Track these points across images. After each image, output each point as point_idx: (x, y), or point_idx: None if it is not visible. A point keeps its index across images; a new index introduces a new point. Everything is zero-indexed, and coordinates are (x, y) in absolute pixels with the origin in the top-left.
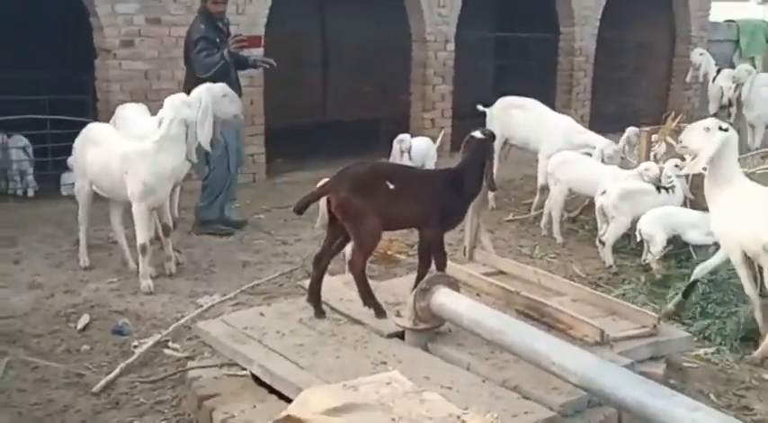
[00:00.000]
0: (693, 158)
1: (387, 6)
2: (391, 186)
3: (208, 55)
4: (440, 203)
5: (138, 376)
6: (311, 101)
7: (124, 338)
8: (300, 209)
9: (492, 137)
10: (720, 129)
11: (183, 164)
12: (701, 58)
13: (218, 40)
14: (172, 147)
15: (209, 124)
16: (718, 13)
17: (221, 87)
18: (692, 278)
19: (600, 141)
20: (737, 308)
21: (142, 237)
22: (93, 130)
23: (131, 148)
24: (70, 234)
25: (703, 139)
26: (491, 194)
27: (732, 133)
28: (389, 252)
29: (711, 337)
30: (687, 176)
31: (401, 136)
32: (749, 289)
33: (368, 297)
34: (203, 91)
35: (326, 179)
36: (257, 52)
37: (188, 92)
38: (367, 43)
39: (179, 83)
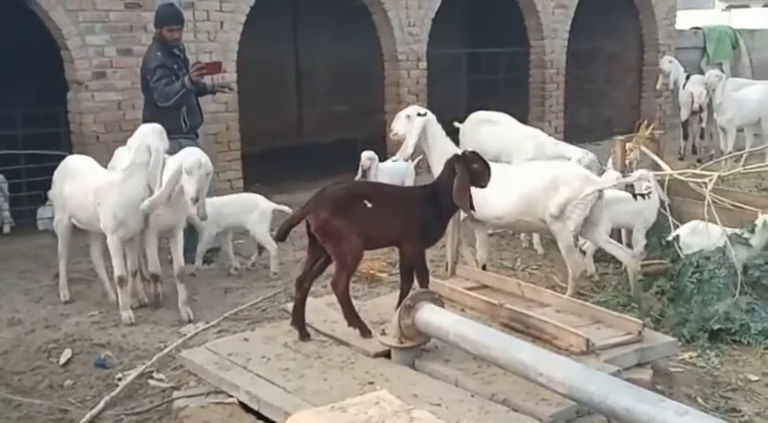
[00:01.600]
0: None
1: (358, 27)
2: (369, 205)
3: (167, 83)
4: (418, 220)
5: (124, 409)
6: (287, 124)
7: (107, 371)
8: (282, 235)
9: (468, 156)
10: (419, 114)
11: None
12: (670, 65)
13: (175, 66)
14: (139, 175)
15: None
16: (683, 21)
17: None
18: None
19: (576, 152)
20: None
21: (118, 269)
22: (71, 162)
23: (102, 180)
24: (48, 268)
25: (406, 126)
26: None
27: (430, 116)
28: (372, 271)
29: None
30: (663, 182)
31: (366, 153)
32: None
33: (352, 317)
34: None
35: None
36: (218, 78)
37: (147, 121)
38: (340, 64)
39: None
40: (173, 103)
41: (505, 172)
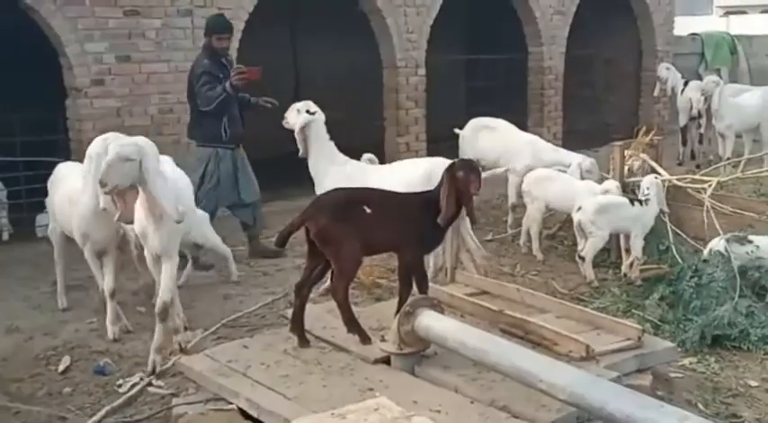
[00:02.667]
0: None
1: (357, 34)
2: (368, 211)
3: (210, 88)
4: (417, 226)
5: (123, 416)
6: (286, 130)
7: (106, 378)
8: (282, 242)
9: (456, 164)
10: (308, 112)
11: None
12: (667, 72)
13: (221, 75)
14: (92, 185)
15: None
16: (681, 28)
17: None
18: None
19: (575, 157)
20: (716, 311)
21: (99, 282)
22: (62, 170)
23: (73, 189)
24: (47, 275)
25: (295, 117)
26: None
27: (317, 117)
28: (371, 278)
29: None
30: (663, 190)
31: (366, 156)
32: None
33: (352, 323)
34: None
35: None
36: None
37: (194, 126)
38: (339, 71)
39: (151, 118)
40: (214, 108)
41: (381, 171)
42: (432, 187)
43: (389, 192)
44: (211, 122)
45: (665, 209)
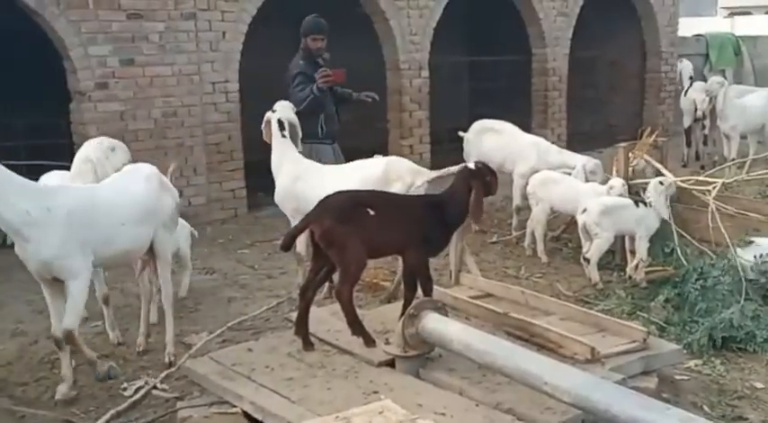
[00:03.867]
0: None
1: (360, 36)
2: (372, 213)
3: (301, 90)
4: (421, 229)
5: (128, 420)
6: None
7: (111, 382)
8: (287, 245)
9: (482, 170)
10: (272, 110)
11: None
12: (681, 64)
13: (315, 75)
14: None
15: None
16: (686, 29)
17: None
18: None
19: (580, 158)
20: (722, 314)
21: (96, 287)
22: (48, 178)
23: None
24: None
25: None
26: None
27: (272, 115)
28: (375, 280)
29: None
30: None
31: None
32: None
33: (356, 326)
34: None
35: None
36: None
37: None
38: None
39: (155, 122)
40: (303, 108)
41: (340, 171)
42: (388, 187)
43: (395, 194)
44: (309, 120)
45: (665, 215)
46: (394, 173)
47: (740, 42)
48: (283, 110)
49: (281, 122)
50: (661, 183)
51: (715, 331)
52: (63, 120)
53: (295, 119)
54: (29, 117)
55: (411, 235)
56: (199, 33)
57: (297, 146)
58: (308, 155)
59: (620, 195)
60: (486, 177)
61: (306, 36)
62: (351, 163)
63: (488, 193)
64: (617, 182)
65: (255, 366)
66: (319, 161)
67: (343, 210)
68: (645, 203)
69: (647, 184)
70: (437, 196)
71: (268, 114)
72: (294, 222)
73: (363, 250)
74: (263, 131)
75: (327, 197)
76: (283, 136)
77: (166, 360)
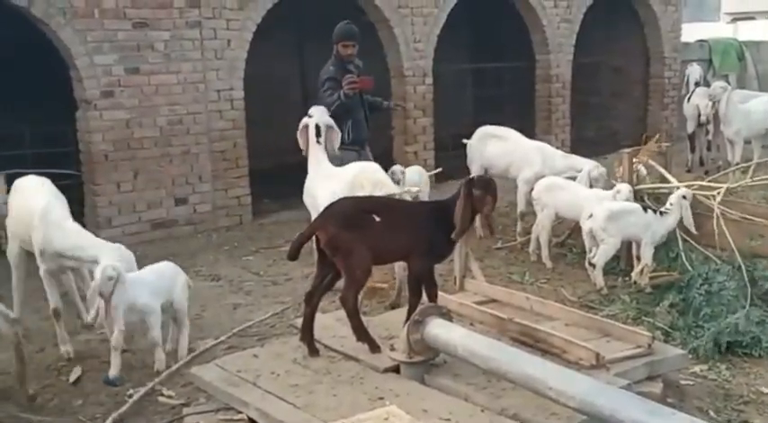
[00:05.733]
0: None
1: (364, 44)
2: (378, 219)
3: (329, 95)
4: (426, 235)
5: None
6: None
7: (117, 389)
8: (294, 253)
9: (474, 182)
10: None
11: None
12: (691, 68)
13: (352, 75)
14: None
15: None
16: (689, 34)
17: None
18: None
19: (586, 164)
20: (727, 319)
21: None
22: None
23: None
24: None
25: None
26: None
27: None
28: (369, 283)
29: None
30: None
31: (393, 167)
32: None
33: (361, 332)
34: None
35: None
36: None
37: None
38: None
39: (160, 130)
40: (331, 113)
41: (332, 175)
42: (358, 192)
43: (400, 200)
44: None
45: (692, 230)
46: (359, 181)
47: (743, 47)
48: (320, 115)
49: (318, 127)
50: (684, 197)
51: (720, 336)
52: (69, 128)
53: (331, 121)
54: (35, 125)
55: (416, 241)
56: (204, 41)
57: (334, 148)
58: (335, 161)
59: (627, 200)
60: (474, 190)
61: (337, 43)
62: (343, 167)
63: (478, 205)
64: (624, 187)
65: (261, 373)
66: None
67: (347, 216)
68: (654, 210)
69: (652, 190)
70: (442, 202)
71: (305, 120)
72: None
73: (369, 256)
74: (299, 139)
75: (332, 203)
76: (318, 142)
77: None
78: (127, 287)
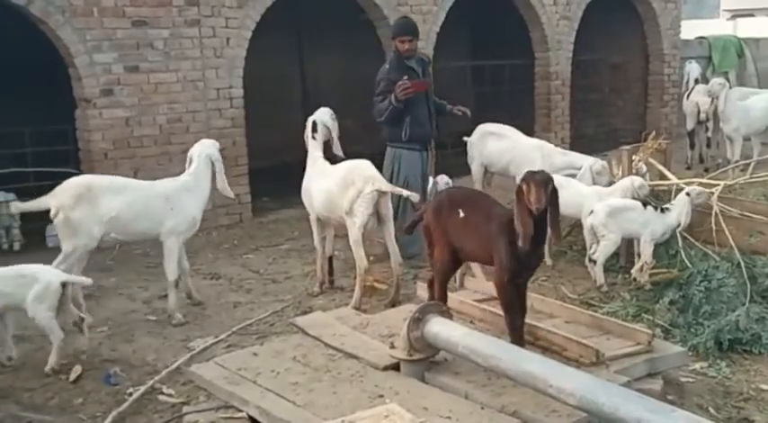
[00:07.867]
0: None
1: (363, 42)
2: (462, 214)
3: (381, 100)
4: (499, 243)
5: None
6: (294, 139)
7: (117, 387)
8: (409, 231)
9: (525, 176)
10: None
11: None
12: (690, 66)
13: (406, 77)
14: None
15: None
16: (688, 31)
17: None
18: None
19: (586, 159)
20: (727, 316)
21: None
22: None
23: None
24: None
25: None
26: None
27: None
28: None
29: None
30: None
31: (439, 177)
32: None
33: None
34: None
35: None
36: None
37: (382, 126)
38: (346, 79)
39: (160, 128)
40: (384, 120)
41: (327, 171)
42: (346, 191)
43: (487, 197)
44: (394, 123)
45: (683, 223)
46: (350, 177)
47: (743, 45)
48: (320, 114)
49: (314, 124)
50: (688, 194)
51: (720, 333)
52: (69, 126)
53: (329, 122)
54: (35, 124)
55: (489, 247)
56: (203, 40)
57: (334, 147)
58: (390, 159)
59: (641, 188)
60: (521, 184)
61: (394, 38)
62: (336, 165)
63: (527, 207)
64: (639, 180)
65: (261, 371)
66: (399, 166)
67: (439, 206)
68: (654, 206)
69: (651, 187)
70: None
71: (310, 118)
72: (311, 217)
73: (449, 251)
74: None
75: (443, 190)
76: (313, 138)
77: None
78: None
